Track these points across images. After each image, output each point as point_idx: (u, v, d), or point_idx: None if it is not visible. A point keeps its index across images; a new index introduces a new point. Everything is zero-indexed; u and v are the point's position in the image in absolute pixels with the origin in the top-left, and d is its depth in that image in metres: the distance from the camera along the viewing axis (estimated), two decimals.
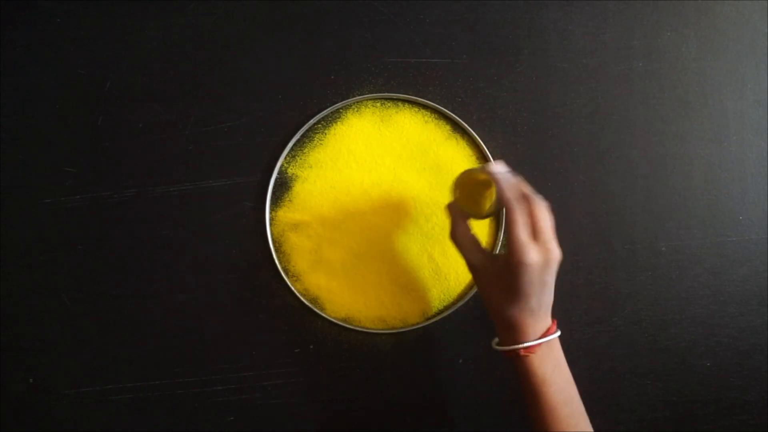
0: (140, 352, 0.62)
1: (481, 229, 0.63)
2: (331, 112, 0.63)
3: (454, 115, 0.63)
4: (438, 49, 0.64)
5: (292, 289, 0.62)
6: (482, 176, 0.53)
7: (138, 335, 0.62)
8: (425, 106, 0.63)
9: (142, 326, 0.62)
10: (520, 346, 0.49)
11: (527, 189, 0.50)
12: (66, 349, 0.62)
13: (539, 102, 0.64)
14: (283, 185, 0.63)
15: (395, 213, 0.63)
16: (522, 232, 0.48)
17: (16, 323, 0.62)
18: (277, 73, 0.63)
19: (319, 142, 0.63)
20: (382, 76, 0.63)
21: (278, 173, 0.63)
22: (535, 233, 0.48)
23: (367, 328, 0.62)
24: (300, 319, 0.62)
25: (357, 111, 0.63)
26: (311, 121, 0.62)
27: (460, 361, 0.63)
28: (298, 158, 0.63)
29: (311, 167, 0.63)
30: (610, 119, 0.64)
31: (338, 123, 0.63)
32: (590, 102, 0.64)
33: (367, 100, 0.63)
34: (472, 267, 0.53)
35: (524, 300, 0.49)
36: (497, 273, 0.50)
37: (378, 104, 0.63)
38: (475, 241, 0.53)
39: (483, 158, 0.63)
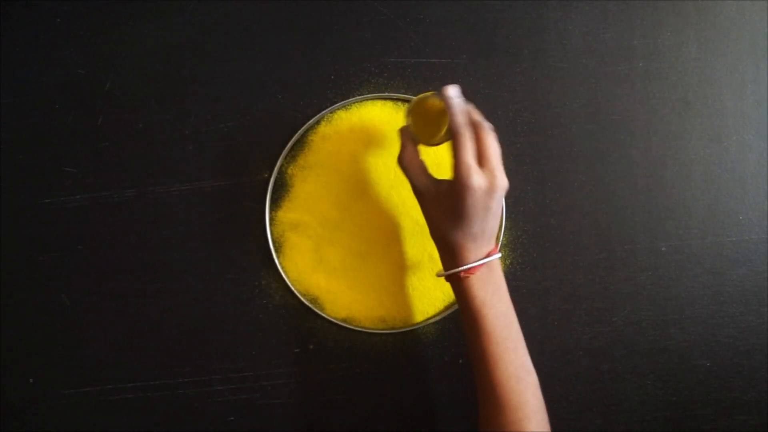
0: (140, 352, 0.62)
1: None
2: (331, 112, 0.63)
3: None
4: (438, 49, 0.64)
5: (292, 289, 0.62)
6: (436, 102, 0.53)
7: (138, 335, 0.62)
8: None
9: (142, 326, 0.62)
10: (461, 268, 0.50)
11: (478, 116, 0.51)
12: (66, 349, 0.62)
13: (539, 102, 0.64)
14: (283, 185, 0.63)
15: (395, 213, 0.63)
16: (468, 156, 0.48)
17: (16, 323, 0.62)
18: (277, 73, 0.63)
19: (319, 142, 0.63)
20: (382, 76, 0.63)
21: (278, 173, 0.63)
22: (481, 159, 0.49)
23: (367, 328, 0.62)
24: (300, 319, 0.62)
25: (357, 111, 0.63)
26: (311, 121, 0.62)
27: (460, 361, 0.63)
28: (298, 158, 0.63)
29: (311, 167, 0.63)
30: (610, 119, 0.64)
31: (338, 123, 0.63)
32: (590, 102, 0.64)
33: (367, 100, 0.63)
34: (417, 191, 0.53)
35: (467, 224, 0.49)
36: (442, 197, 0.50)
37: (378, 104, 0.63)
38: (421, 166, 0.53)
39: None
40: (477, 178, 0.48)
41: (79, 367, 0.62)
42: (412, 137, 0.54)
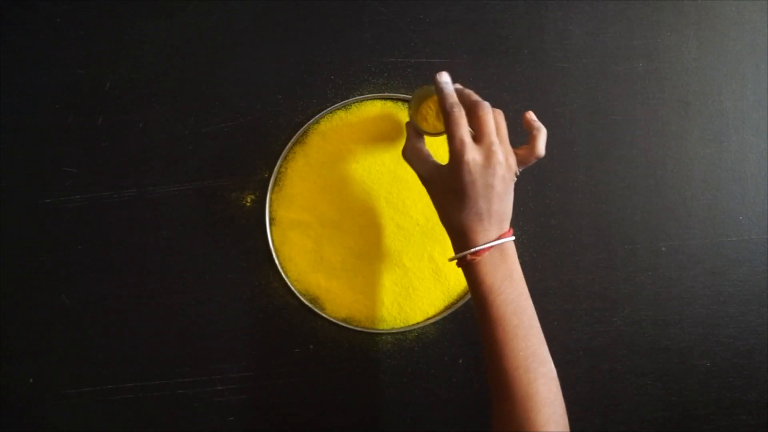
0: (140, 352, 0.62)
1: None
2: (331, 112, 0.63)
3: None
4: (438, 49, 0.64)
5: (292, 289, 0.62)
6: (431, 90, 0.54)
7: (138, 335, 0.62)
8: None
9: (142, 326, 0.62)
10: (467, 251, 0.49)
11: (476, 96, 0.51)
12: (66, 349, 0.62)
13: (539, 102, 0.64)
14: (284, 185, 0.63)
15: (395, 213, 0.63)
16: (460, 132, 0.49)
17: (16, 323, 0.62)
18: (277, 73, 0.63)
19: (319, 142, 0.63)
20: (382, 76, 0.63)
21: (278, 173, 0.63)
22: (478, 136, 0.49)
23: (367, 328, 0.62)
24: (300, 319, 0.62)
25: (357, 111, 0.63)
26: (311, 121, 0.62)
27: (460, 361, 0.63)
28: (298, 158, 0.63)
29: (311, 167, 0.63)
30: (610, 119, 0.64)
31: (338, 123, 0.63)
32: (590, 102, 0.64)
33: (367, 100, 0.63)
34: (423, 179, 0.53)
35: (469, 203, 0.49)
36: (445, 180, 0.50)
37: (378, 104, 0.63)
38: (425, 154, 0.53)
39: None
40: (471, 153, 0.48)
41: (79, 367, 0.62)
42: (415, 128, 0.54)
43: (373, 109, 0.63)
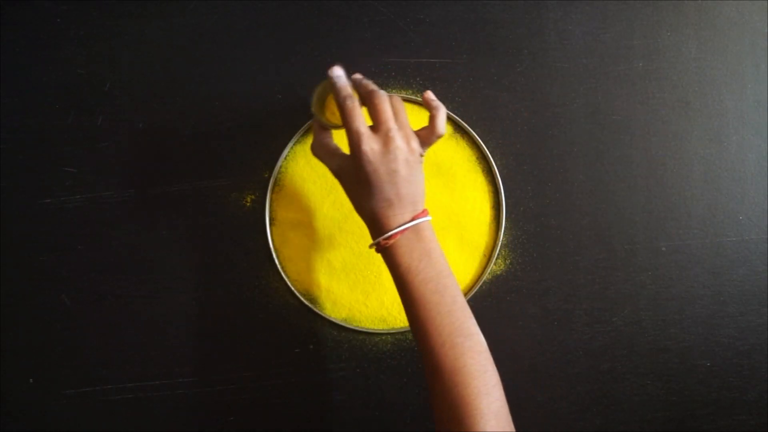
0: (140, 352, 0.62)
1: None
2: None
3: (454, 115, 0.63)
4: (438, 49, 0.64)
5: (292, 289, 0.62)
6: (328, 85, 0.53)
7: (138, 335, 0.62)
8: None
9: (142, 326, 0.62)
10: (380, 238, 0.50)
11: (372, 86, 0.51)
12: (66, 349, 0.62)
13: (539, 102, 0.64)
14: (284, 185, 0.63)
15: None
16: (355, 123, 0.49)
17: (16, 323, 0.62)
18: (277, 73, 0.63)
19: None
20: (382, 76, 0.63)
21: (278, 173, 0.63)
22: (374, 124, 0.50)
23: (367, 328, 0.62)
24: (300, 319, 0.62)
25: None
26: (311, 121, 0.62)
27: None
28: (298, 158, 0.63)
29: (312, 167, 0.63)
30: (610, 119, 0.64)
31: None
32: (590, 102, 0.64)
33: None
34: (334, 174, 0.54)
35: (376, 191, 0.49)
36: (352, 171, 0.50)
37: None
38: (332, 147, 0.54)
39: (483, 158, 0.63)
40: (368, 143, 0.48)
41: (79, 367, 0.62)
42: (320, 124, 0.55)
43: None
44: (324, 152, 0.54)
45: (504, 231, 0.63)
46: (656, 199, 0.64)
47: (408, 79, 0.64)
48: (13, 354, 0.62)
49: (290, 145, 0.62)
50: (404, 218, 0.50)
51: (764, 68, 0.65)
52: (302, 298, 0.62)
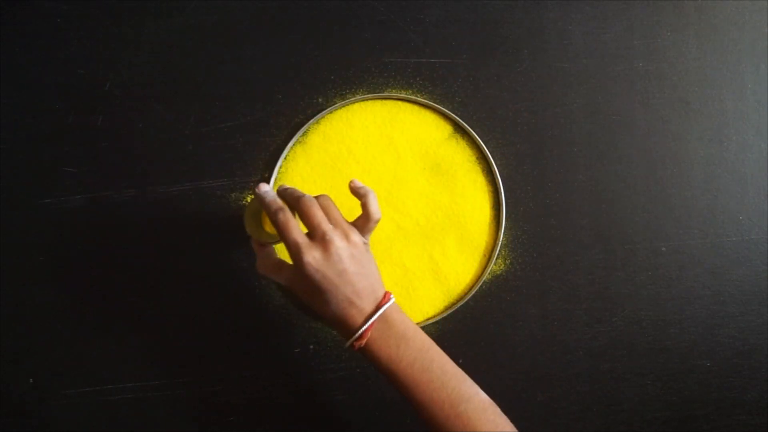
0: (140, 352, 0.62)
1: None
2: (331, 112, 0.63)
3: (454, 115, 0.63)
4: (438, 49, 0.64)
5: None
6: (255, 203, 0.54)
7: (138, 335, 0.62)
8: (425, 106, 0.63)
9: (142, 326, 0.62)
10: (352, 339, 0.49)
11: (297, 193, 0.51)
12: (66, 349, 0.62)
13: (539, 102, 0.64)
14: (284, 185, 0.63)
15: (395, 213, 0.63)
16: (292, 235, 0.48)
17: (16, 323, 0.62)
18: (278, 73, 0.63)
19: (319, 142, 0.63)
20: (382, 76, 0.63)
21: (278, 173, 0.63)
22: (310, 230, 0.49)
23: None
24: (300, 319, 0.62)
25: (357, 111, 0.63)
26: (311, 121, 0.62)
27: (460, 360, 0.63)
28: (298, 158, 0.63)
29: (311, 167, 0.63)
30: (610, 119, 0.64)
31: (338, 123, 0.63)
32: (590, 102, 0.64)
33: (367, 100, 0.63)
34: (284, 287, 0.53)
35: (331, 295, 0.49)
36: (302, 282, 0.50)
37: (378, 104, 0.63)
38: (277, 264, 0.52)
39: (483, 158, 0.63)
40: (308, 252, 0.48)
41: (79, 367, 0.62)
42: (259, 242, 0.54)
43: (373, 109, 0.63)
44: (270, 269, 0.53)
45: (504, 231, 0.63)
46: (656, 199, 0.64)
47: (408, 79, 0.64)
48: (13, 354, 0.62)
49: (290, 145, 0.62)
50: (368, 310, 0.49)
51: (764, 68, 0.65)
52: None
